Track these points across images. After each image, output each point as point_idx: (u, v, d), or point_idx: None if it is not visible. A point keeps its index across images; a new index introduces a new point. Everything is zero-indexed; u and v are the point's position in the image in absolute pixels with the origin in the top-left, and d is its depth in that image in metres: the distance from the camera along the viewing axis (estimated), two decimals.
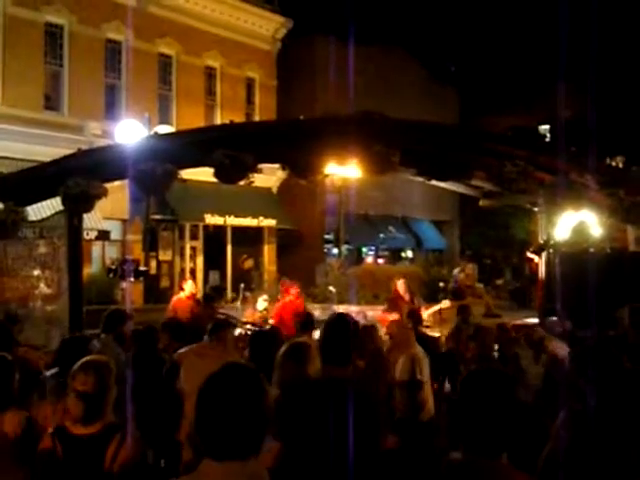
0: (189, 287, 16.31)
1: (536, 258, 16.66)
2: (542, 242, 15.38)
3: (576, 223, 14.25)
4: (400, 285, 16.62)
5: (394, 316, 14.04)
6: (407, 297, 16.39)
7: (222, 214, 29.50)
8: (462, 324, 13.00)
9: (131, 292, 21.98)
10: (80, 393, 5.01)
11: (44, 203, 17.00)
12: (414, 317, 12.27)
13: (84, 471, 4.90)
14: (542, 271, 15.44)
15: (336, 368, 4.95)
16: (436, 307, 17.54)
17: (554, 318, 13.16)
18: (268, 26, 33.60)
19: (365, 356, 8.76)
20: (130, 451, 4.93)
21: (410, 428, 7.86)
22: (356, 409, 4.77)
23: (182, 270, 30.33)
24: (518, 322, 15.42)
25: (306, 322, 10.74)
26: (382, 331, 11.01)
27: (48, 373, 6.96)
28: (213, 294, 14.60)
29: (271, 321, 16.32)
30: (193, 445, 7.57)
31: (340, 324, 5.14)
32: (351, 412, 4.72)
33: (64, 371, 7.01)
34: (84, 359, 5.34)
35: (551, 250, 14.94)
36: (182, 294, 16.29)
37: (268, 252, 33.65)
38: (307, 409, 4.84)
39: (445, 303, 17.62)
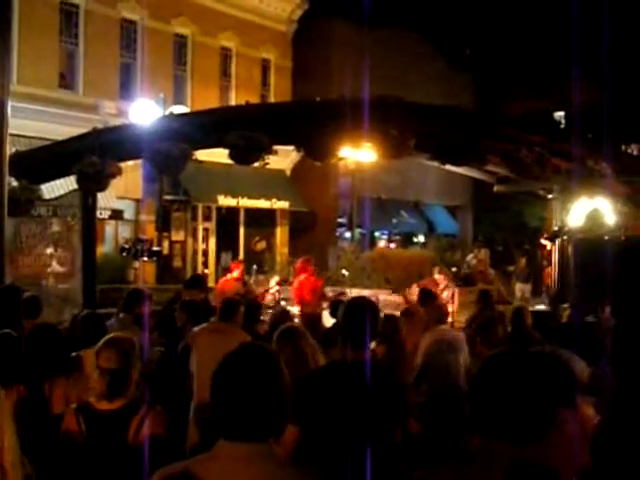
0: (239, 270, 16.81)
1: (549, 245, 16.64)
2: (556, 229, 15.34)
3: (590, 210, 14.21)
4: (439, 278, 16.72)
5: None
6: (443, 285, 16.42)
7: (235, 195, 29.48)
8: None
9: (144, 272, 22.02)
10: (104, 369, 5.09)
11: (58, 181, 17.06)
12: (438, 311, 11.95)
13: (107, 446, 4.97)
14: (555, 258, 15.41)
15: (353, 351, 4.95)
16: None
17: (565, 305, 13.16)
18: (284, 7, 33.47)
19: (385, 343, 8.71)
20: (153, 426, 4.99)
21: (435, 415, 7.81)
22: (374, 391, 4.78)
23: (194, 251, 30.40)
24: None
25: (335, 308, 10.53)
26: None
27: None
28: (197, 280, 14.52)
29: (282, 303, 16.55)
30: (200, 426, 7.62)
31: (359, 307, 5.16)
32: (368, 395, 4.73)
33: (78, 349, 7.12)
34: (108, 336, 5.42)
35: (565, 237, 14.89)
36: (229, 275, 16.81)
37: (281, 234, 33.64)
38: (325, 392, 4.84)
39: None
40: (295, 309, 14.57)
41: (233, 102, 29.99)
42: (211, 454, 3.06)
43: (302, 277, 16.39)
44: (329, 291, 17.20)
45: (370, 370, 4.84)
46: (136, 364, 5.22)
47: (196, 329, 8.62)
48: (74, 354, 6.85)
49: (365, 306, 5.20)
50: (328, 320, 10.96)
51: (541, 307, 16.68)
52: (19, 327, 7.22)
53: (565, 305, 13.73)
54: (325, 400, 4.83)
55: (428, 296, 11.19)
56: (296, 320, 11.05)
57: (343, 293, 16.26)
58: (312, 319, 10.37)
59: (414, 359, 8.99)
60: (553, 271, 15.95)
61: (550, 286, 21.79)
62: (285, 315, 10.12)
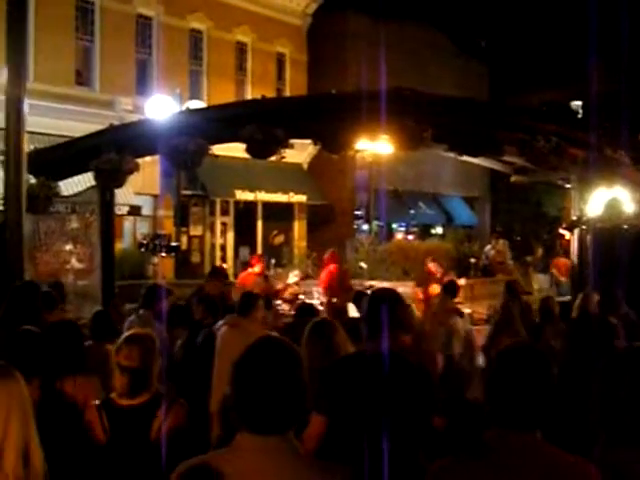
0: (260, 265, 16.83)
1: (568, 234, 16.57)
2: (575, 218, 15.26)
3: (609, 199, 14.12)
4: (432, 266, 16.77)
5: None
6: (439, 275, 16.47)
7: (252, 190, 29.50)
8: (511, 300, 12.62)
9: (162, 267, 22.09)
10: (125, 367, 5.06)
11: (76, 178, 17.12)
12: (450, 290, 12.08)
13: (130, 442, 4.96)
14: (574, 248, 15.34)
15: (375, 341, 4.94)
16: None
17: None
18: (299, 1, 33.44)
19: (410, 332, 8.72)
20: (176, 420, 5.01)
21: (457, 408, 7.78)
22: (398, 382, 4.77)
23: (212, 246, 30.46)
24: None
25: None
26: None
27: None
28: (218, 271, 14.66)
29: (300, 295, 16.66)
30: (223, 418, 7.65)
31: (382, 298, 5.15)
32: (389, 384, 4.74)
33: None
34: (127, 333, 5.41)
35: (584, 227, 14.81)
36: (250, 270, 16.83)
37: (298, 228, 33.66)
38: (347, 381, 4.85)
39: None
40: (315, 302, 14.63)
41: (249, 96, 29.91)
42: (231, 447, 3.07)
43: (332, 267, 16.55)
44: (354, 283, 17.29)
45: (394, 361, 4.83)
46: (157, 360, 5.20)
47: (218, 324, 8.67)
48: (87, 343, 6.89)
49: (388, 297, 5.20)
50: (353, 311, 11.00)
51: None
52: (40, 322, 7.26)
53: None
54: (347, 389, 4.84)
55: (454, 288, 11.49)
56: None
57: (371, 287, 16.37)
58: (338, 310, 10.43)
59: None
60: (572, 261, 15.87)
61: (559, 277, 21.78)
62: (311, 309, 10.14)
